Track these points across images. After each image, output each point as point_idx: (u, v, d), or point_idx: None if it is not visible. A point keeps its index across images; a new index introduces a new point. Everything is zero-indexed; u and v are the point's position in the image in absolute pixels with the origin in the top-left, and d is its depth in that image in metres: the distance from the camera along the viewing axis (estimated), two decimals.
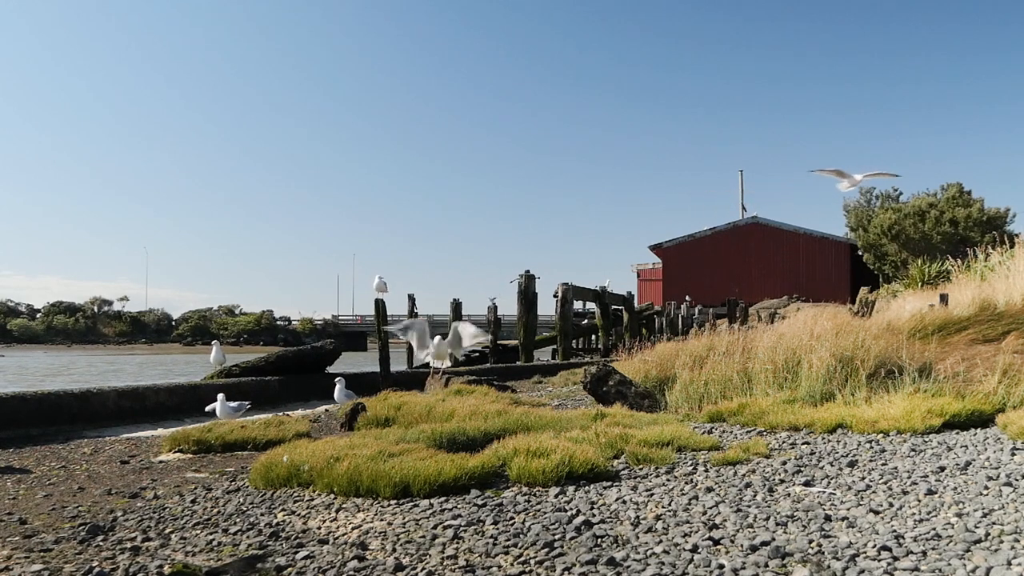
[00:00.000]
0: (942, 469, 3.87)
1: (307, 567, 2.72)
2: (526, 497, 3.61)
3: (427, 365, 9.70)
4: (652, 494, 3.59)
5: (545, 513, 3.28)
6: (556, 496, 3.60)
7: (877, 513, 3.12)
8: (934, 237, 30.02)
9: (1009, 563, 2.41)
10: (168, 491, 4.32)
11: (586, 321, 31.33)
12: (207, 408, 7.65)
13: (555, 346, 23.13)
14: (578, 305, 31.12)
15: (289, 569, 2.72)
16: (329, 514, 3.48)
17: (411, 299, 24.11)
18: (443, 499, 3.62)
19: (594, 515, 3.22)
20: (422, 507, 3.49)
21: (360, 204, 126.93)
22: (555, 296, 23.21)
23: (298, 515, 3.51)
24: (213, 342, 12.57)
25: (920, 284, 20.03)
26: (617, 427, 5.02)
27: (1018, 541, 2.63)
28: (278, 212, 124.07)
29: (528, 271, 20.46)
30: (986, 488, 3.42)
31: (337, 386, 8.92)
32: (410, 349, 24.26)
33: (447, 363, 9.41)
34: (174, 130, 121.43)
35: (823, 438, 4.99)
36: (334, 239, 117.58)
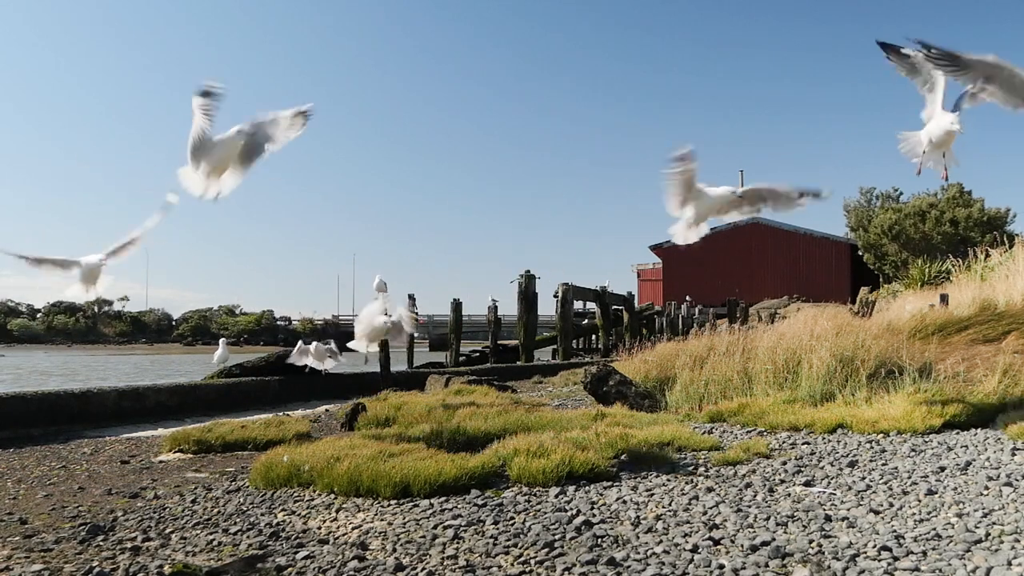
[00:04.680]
0: (942, 469, 3.87)
1: (307, 567, 2.72)
2: (526, 497, 3.61)
3: (427, 364, 9.64)
4: (652, 494, 3.59)
5: (545, 513, 3.28)
6: (556, 496, 3.60)
7: (877, 513, 3.12)
8: (934, 237, 30.03)
9: (1009, 563, 2.41)
10: (168, 491, 4.32)
11: (586, 321, 31.31)
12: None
13: (555, 346, 23.11)
14: (578, 305, 31.10)
15: (289, 569, 2.72)
16: (329, 514, 3.48)
17: (411, 299, 24.05)
18: (443, 499, 3.61)
19: (594, 515, 3.22)
20: (422, 507, 3.49)
21: (360, 204, 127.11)
22: (555, 296, 23.19)
23: (298, 515, 3.51)
24: (220, 340, 12.51)
25: (920, 284, 20.00)
26: (617, 427, 5.01)
27: (1018, 541, 2.63)
28: (278, 212, 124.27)
29: (528, 271, 20.45)
30: (986, 488, 3.42)
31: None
32: (410, 349, 24.26)
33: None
34: (174, 130, 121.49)
35: (823, 438, 4.99)
36: (334, 239, 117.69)
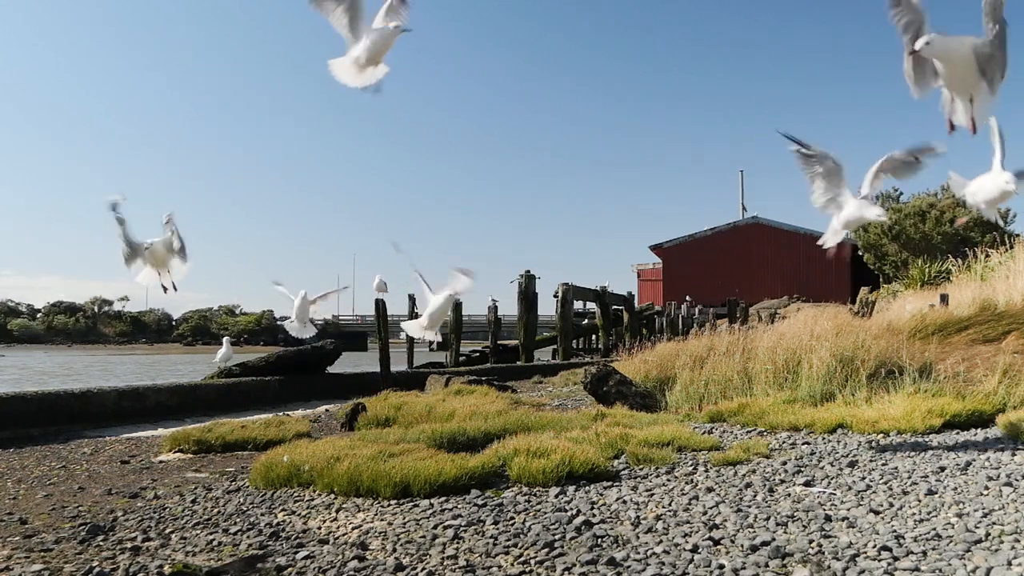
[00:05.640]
0: (942, 469, 3.86)
1: (307, 567, 2.72)
2: (526, 497, 3.61)
3: (427, 364, 9.55)
4: (652, 494, 3.59)
5: (545, 513, 3.28)
6: (556, 496, 3.60)
7: (877, 513, 3.12)
8: (934, 237, 29.99)
9: (1009, 563, 2.41)
10: (168, 491, 4.32)
11: (586, 321, 31.30)
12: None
13: (555, 346, 23.11)
14: (578, 305, 31.11)
15: (289, 569, 2.72)
16: (329, 514, 3.48)
17: (411, 299, 24.03)
18: (443, 499, 3.61)
19: (594, 515, 3.22)
20: (422, 507, 3.49)
21: (360, 204, 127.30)
22: (555, 296, 23.18)
23: (298, 515, 3.51)
24: (224, 339, 12.49)
25: (920, 284, 20.00)
26: (617, 427, 5.02)
27: (1018, 541, 2.63)
28: (278, 212, 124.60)
29: (528, 271, 20.46)
30: (986, 488, 3.42)
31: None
32: (410, 349, 24.27)
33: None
34: (174, 130, 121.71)
35: (823, 438, 4.99)
36: (334, 239, 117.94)
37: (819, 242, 5.17)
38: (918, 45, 3.74)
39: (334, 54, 4.62)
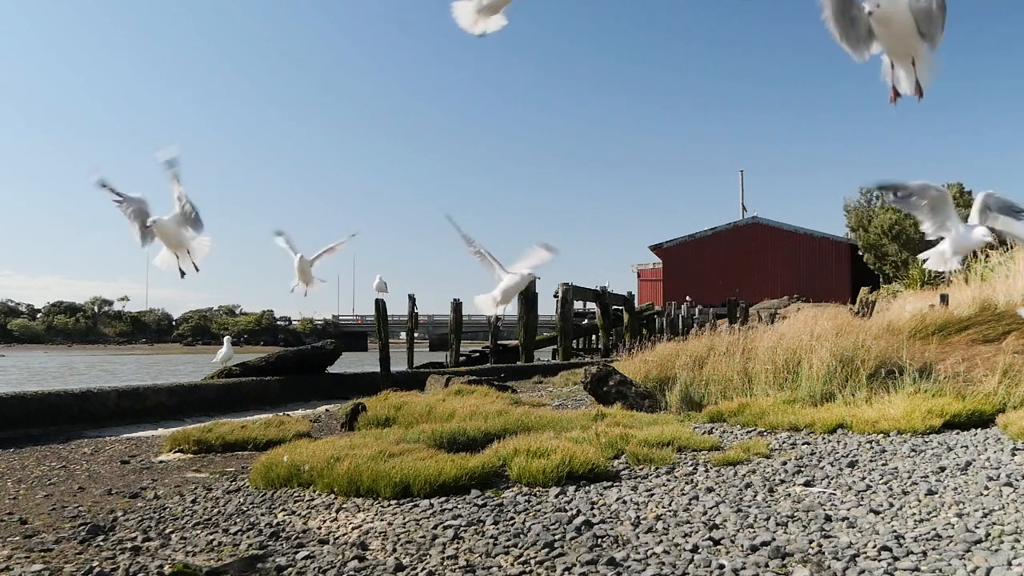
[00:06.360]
0: (942, 469, 3.87)
1: (307, 567, 2.72)
2: (526, 497, 3.61)
3: (427, 364, 9.48)
4: (652, 494, 3.59)
5: (545, 513, 3.28)
6: (556, 496, 3.60)
7: (877, 513, 3.12)
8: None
9: (1009, 563, 2.41)
10: (168, 491, 4.32)
11: (586, 321, 31.31)
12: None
13: (555, 346, 23.11)
14: (578, 305, 31.09)
15: (289, 569, 2.72)
16: (329, 514, 3.48)
17: (411, 299, 24.04)
18: (443, 499, 3.61)
19: (594, 515, 3.22)
20: (422, 507, 3.49)
21: (360, 204, 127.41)
22: (555, 296, 23.19)
23: (298, 515, 3.51)
24: (225, 338, 12.50)
25: (920, 284, 19.98)
26: (617, 427, 5.02)
27: (1018, 541, 2.63)
28: (278, 212, 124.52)
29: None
30: (986, 488, 3.42)
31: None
32: (410, 349, 24.26)
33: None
34: (174, 130, 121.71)
35: (823, 438, 4.99)
36: (334, 239, 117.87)
37: (923, 262, 5.13)
38: (869, 6, 3.70)
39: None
